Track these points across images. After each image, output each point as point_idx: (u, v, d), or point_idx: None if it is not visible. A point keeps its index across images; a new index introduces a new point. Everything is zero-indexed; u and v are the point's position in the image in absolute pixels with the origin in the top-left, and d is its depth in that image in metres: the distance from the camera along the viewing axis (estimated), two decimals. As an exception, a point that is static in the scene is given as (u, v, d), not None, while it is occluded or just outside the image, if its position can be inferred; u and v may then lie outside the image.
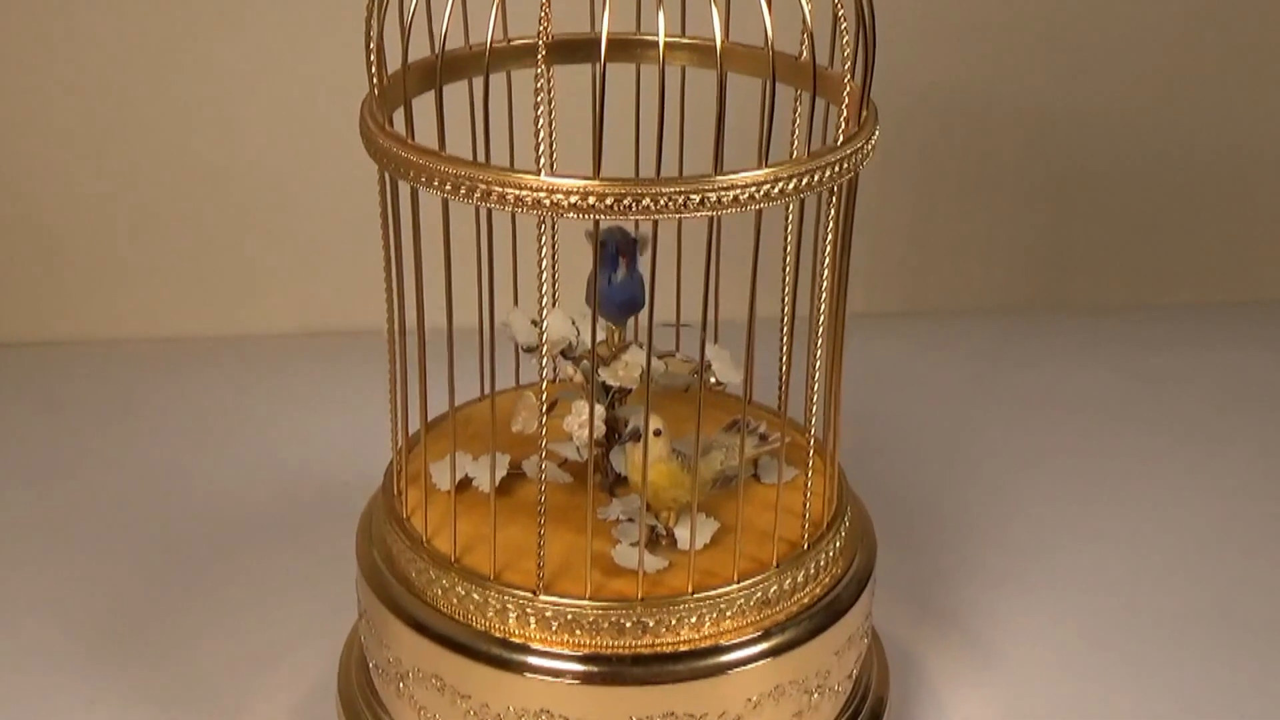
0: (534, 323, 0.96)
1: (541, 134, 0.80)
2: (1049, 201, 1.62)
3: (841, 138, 0.85)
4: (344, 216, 1.52)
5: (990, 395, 1.45)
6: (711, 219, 0.80)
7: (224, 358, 1.49)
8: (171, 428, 1.36)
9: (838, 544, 0.95)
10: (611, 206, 0.78)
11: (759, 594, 0.90)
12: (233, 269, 1.53)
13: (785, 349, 1.00)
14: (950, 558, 1.20)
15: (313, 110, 1.47)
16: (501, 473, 0.96)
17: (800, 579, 0.92)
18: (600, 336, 0.95)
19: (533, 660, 0.88)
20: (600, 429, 0.94)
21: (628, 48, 1.00)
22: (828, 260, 0.88)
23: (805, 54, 0.93)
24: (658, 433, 0.89)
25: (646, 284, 0.93)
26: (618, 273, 0.92)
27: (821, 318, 0.89)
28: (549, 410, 0.87)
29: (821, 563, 0.93)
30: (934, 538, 1.23)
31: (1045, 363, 1.52)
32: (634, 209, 0.78)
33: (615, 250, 0.90)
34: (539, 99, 0.79)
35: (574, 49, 0.99)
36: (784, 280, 1.00)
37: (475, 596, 0.89)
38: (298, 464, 1.31)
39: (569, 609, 0.88)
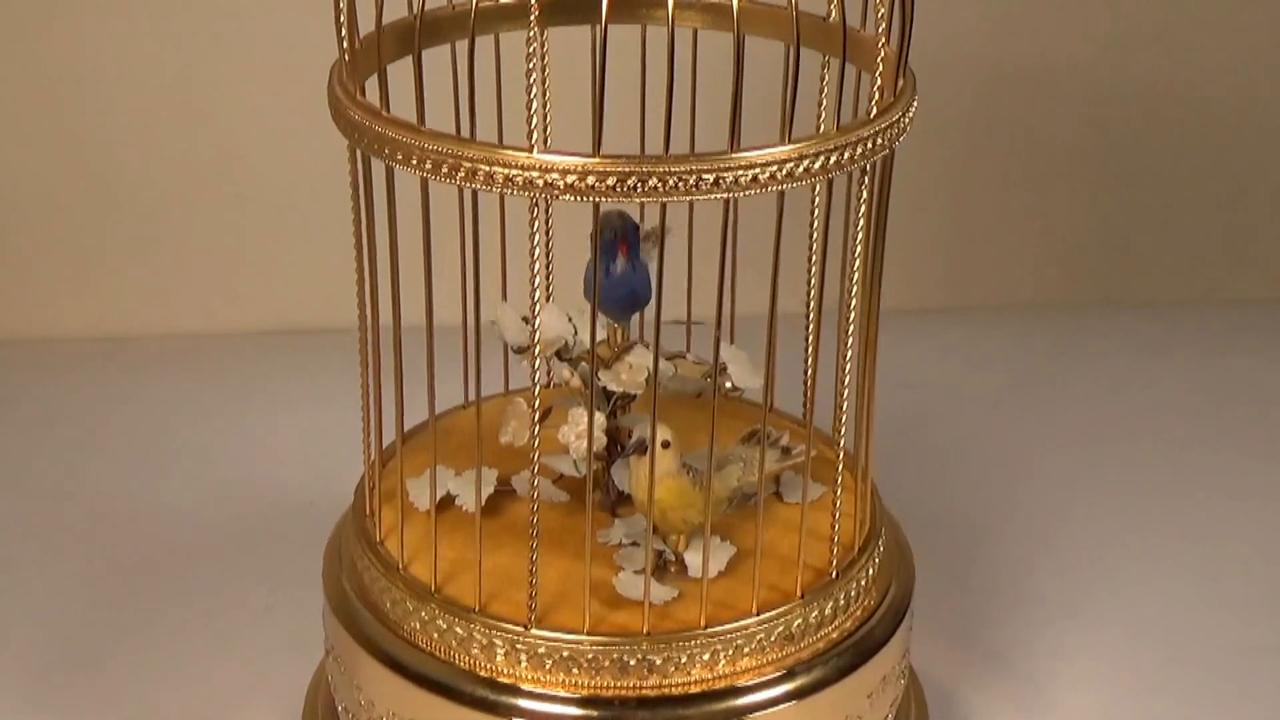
0: (525, 320, 0.96)
1: (534, 105, 0.80)
2: (1109, 184, 1.62)
3: (875, 110, 0.85)
4: (310, 201, 1.52)
5: (1043, 403, 1.45)
6: (727, 202, 0.80)
7: (173, 360, 1.49)
8: (115, 439, 1.36)
9: (871, 572, 0.95)
10: (613, 188, 0.78)
11: (781, 628, 0.90)
12: (184, 260, 1.53)
13: (811, 350, 0.99)
14: (998, 588, 1.20)
15: (275, 80, 1.47)
16: (488, 490, 0.95)
17: (828, 611, 0.92)
18: (600, 335, 0.95)
19: (523, 703, 0.87)
20: (600, 440, 0.94)
21: (632, 7, 1.00)
22: (859, 249, 0.88)
23: (834, 14, 0.93)
24: (666, 444, 0.89)
25: (653, 276, 0.93)
26: (616, 263, 0.91)
27: (852, 314, 0.89)
28: (542, 419, 0.87)
29: (852, 593, 0.93)
30: (980, 565, 1.23)
31: (1105, 366, 1.52)
32: (639, 190, 0.78)
33: (613, 237, 0.90)
34: (531, 65, 0.79)
35: (571, 8, 0.99)
36: (809, 272, 1.00)
37: (458, 630, 0.89)
38: (257, 480, 1.31)
39: (565, 645, 0.87)
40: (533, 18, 0.79)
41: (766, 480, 0.95)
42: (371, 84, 0.87)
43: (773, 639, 0.90)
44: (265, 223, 1.53)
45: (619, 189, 0.78)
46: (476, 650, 0.89)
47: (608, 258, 0.92)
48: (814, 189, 0.99)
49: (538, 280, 0.82)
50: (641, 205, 1.00)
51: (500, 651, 0.88)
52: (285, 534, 1.23)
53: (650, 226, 1.00)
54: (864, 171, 0.86)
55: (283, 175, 1.51)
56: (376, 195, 0.87)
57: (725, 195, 0.79)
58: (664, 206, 0.80)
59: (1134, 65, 1.58)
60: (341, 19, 0.86)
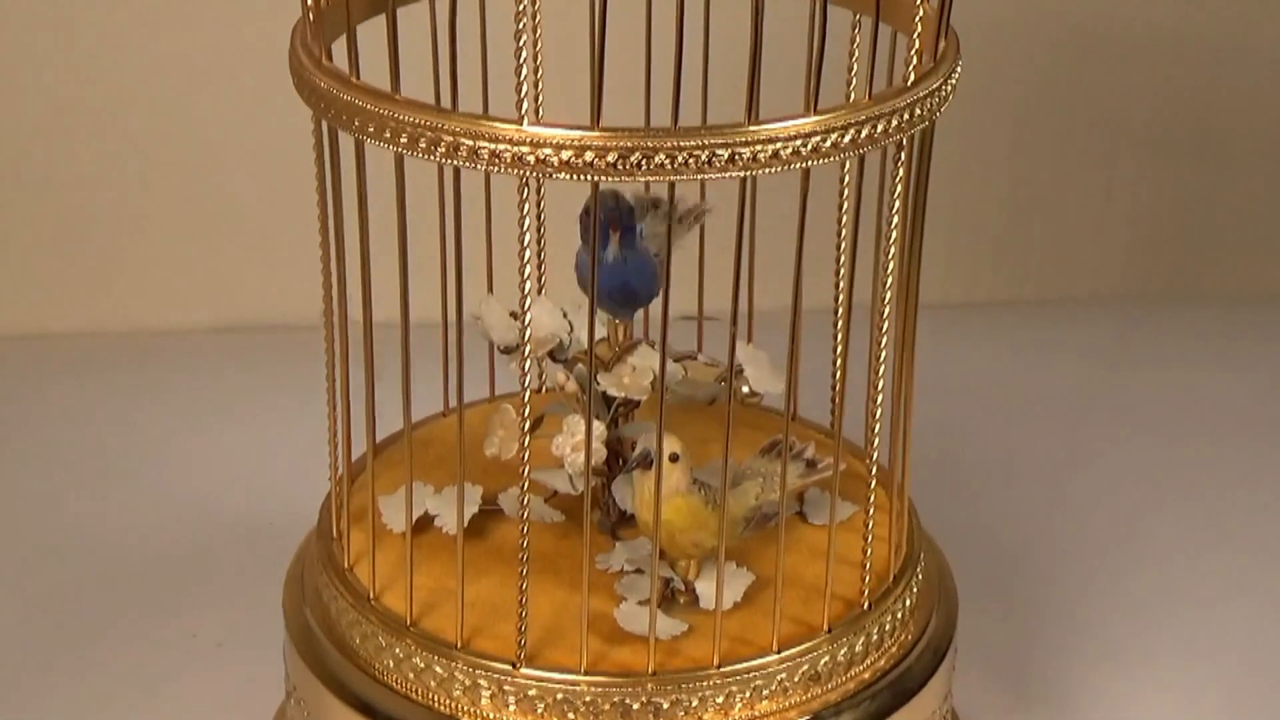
0: (513, 316, 0.96)
1: (524, 72, 0.80)
2: (1182, 163, 1.62)
3: (913, 76, 0.85)
4: (270, 180, 1.52)
5: (1104, 409, 1.45)
6: (744, 182, 0.80)
7: (111, 361, 1.50)
8: (43, 450, 1.36)
9: (908, 602, 0.95)
10: (615, 165, 0.78)
11: (806, 667, 0.90)
12: (124, 247, 1.53)
13: (840, 350, 1.00)
14: (1053, 619, 1.20)
15: (228, 45, 1.48)
16: (472, 509, 0.96)
17: (859, 648, 0.92)
18: (599, 333, 0.95)
19: (512, 752, 0.88)
20: (599, 453, 0.94)
21: (636, -40, 1.00)
22: (895, 235, 0.88)
23: (866, -32, 0.93)
24: (674, 457, 0.89)
25: (658, 264, 0.93)
26: (607, 250, 0.92)
27: (886, 309, 0.89)
28: (533, 429, 0.87)
29: (887, 627, 0.93)
30: (1032, 593, 1.23)
31: (1174, 367, 1.52)
32: (644, 168, 0.78)
33: (603, 220, 0.91)
34: (521, 26, 0.79)
35: (566, -39, 0.99)
36: (838, 261, 1.00)
37: (438, 669, 0.90)
38: (207, 497, 1.31)
39: (559, 686, 0.88)
40: (523, -29, 0.79)
41: (789, 498, 0.95)
42: (339, 47, 0.87)
43: (796, 680, 0.90)
44: (219, 205, 1.53)
45: (621, 167, 0.78)
46: (459, 692, 0.89)
47: (601, 244, 0.92)
48: (843, 166, 0.99)
49: (528, 271, 0.82)
50: (647, 185, 1.01)
51: (485, 693, 0.88)
52: (239, 558, 1.24)
53: (690, 205, 1.00)
54: (900, 147, 0.86)
55: (238, 151, 1.52)
56: (344, 174, 0.87)
57: (742, 174, 0.79)
58: (672, 187, 0.80)
59: (1217, 24, 1.58)
60: (305, -28, 0.86)
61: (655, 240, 0.95)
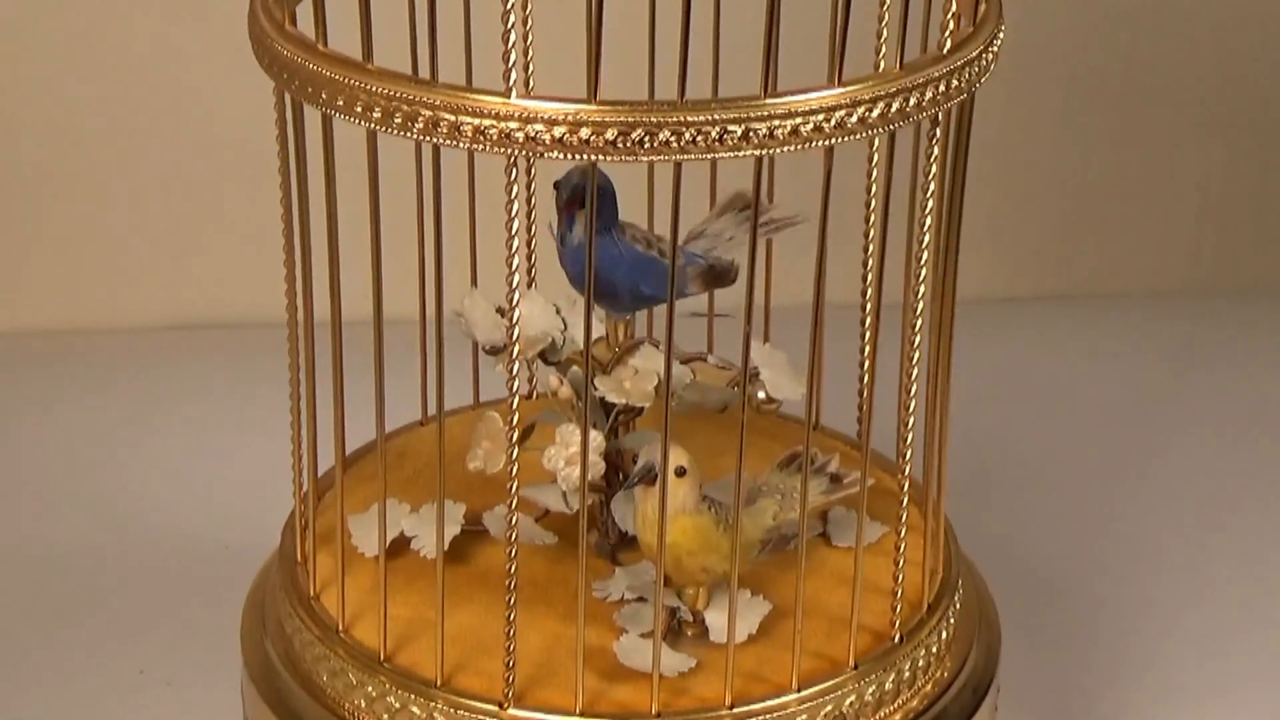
0: (500, 312, 0.96)
1: (513, 38, 0.80)
2: (1252, 139, 1.62)
3: (949, 43, 0.85)
4: (227, 163, 1.52)
5: (1165, 415, 1.45)
6: (759, 161, 0.80)
7: (52, 361, 1.50)
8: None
9: (944, 635, 0.95)
10: (614, 144, 0.78)
11: (830, 707, 0.90)
12: (68, 239, 1.53)
13: (868, 351, 1.00)
14: (1106, 653, 1.20)
15: (182, 10, 1.48)
16: (453, 530, 0.96)
17: (889, 686, 0.92)
18: (597, 332, 0.95)
19: (498, 804, 0.88)
20: (597, 466, 0.94)
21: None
22: (929, 222, 0.88)
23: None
24: (681, 471, 0.89)
25: (653, 261, 0.93)
26: (572, 233, 0.92)
27: (921, 306, 0.89)
28: (522, 440, 0.87)
29: (921, 662, 0.93)
30: (1083, 624, 1.23)
31: (1245, 367, 1.52)
32: (647, 146, 0.78)
33: (568, 198, 0.91)
34: (509, -14, 0.79)
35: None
36: (866, 251, 1.00)
37: (415, 710, 0.89)
38: (156, 515, 1.31)
39: (551, 729, 0.88)
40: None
41: (811, 518, 0.95)
42: (304, 11, 0.87)
43: (818, 722, 0.90)
44: (171, 189, 1.54)
45: (622, 145, 0.78)
46: (438, 735, 0.89)
47: (566, 225, 0.92)
48: (871, 145, 0.99)
49: (516, 262, 0.82)
50: (651, 164, 1.01)
51: (468, 737, 0.89)
52: (192, 584, 1.24)
53: (734, 192, 0.99)
54: (935, 122, 0.86)
55: (191, 129, 1.52)
56: (310, 153, 0.87)
57: (757, 152, 0.79)
58: (678, 168, 0.80)
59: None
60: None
61: (716, 241, 0.95)
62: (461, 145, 0.79)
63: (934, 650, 0.94)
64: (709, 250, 0.95)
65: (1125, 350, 1.55)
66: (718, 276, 0.95)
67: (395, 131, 0.80)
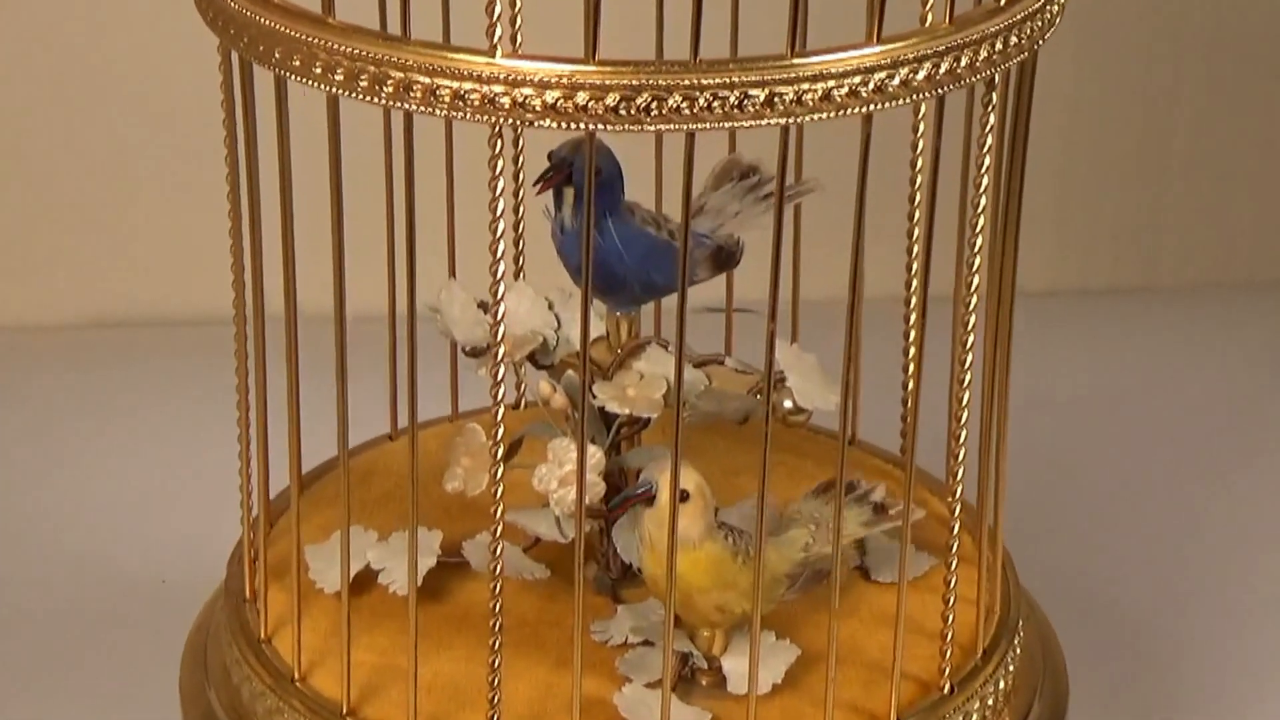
0: (482, 307, 0.97)
1: (497, -13, 0.80)
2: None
3: (1008, -7, 0.86)
4: (161, 135, 1.52)
5: (1259, 423, 1.45)
6: (785, 130, 0.80)
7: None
8: None
9: (1002, 685, 0.95)
10: (616, 110, 0.78)
11: (866, 770, 0.91)
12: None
13: (913, 353, 1.00)
14: (1195, 705, 1.20)
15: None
16: (428, 563, 0.96)
17: (937, 745, 0.93)
18: (596, 330, 0.96)
19: None
20: (597, 488, 0.94)
21: None
22: (984, 203, 0.88)
23: None
24: (684, 497, 0.88)
25: (661, 245, 0.94)
26: (562, 212, 0.93)
27: (974, 301, 0.89)
28: (509, 456, 0.87)
29: (975, 716, 0.94)
30: (1168, 671, 1.23)
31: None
32: (654, 114, 0.78)
33: (551, 175, 0.91)
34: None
35: None
36: (910, 236, 1.00)
37: (383, 773, 0.90)
38: (80, 542, 1.31)
39: (542, 795, 0.88)
40: None
41: (847, 549, 0.95)
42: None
43: (854, 786, 0.90)
44: (96, 165, 1.54)
45: (624, 112, 0.78)
46: (410, 802, 0.89)
47: (555, 206, 0.93)
48: (916, 112, 0.99)
49: (501, 249, 0.83)
50: (659, 135, 1.01)
51: (446, 804, 0.89)
52: (123, 626, 1.24)
53: (726, 158, 0.99)
54: (991, 86, 0.86)
55: (119, 93, 1.52)
56: (261, 123, 0.87)
57: (783, 121, 0.79)
58: (691, 137, 0.80)
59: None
60: None
61: (721, 218, 0.96)
62: (438, 113, 0.80)
63: (990, 703, 0.94)
64: (715, 229, 0.95)
65: (1217, 350, 1.55)
66: (727, 258, 0.95)
67: (361, 96, 0.80)
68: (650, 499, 0.88)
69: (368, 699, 0.91)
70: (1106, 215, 1.64)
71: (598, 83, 0.78)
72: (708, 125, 0.78)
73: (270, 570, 0.96)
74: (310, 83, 0.82)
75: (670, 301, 0.95)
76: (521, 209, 1.09)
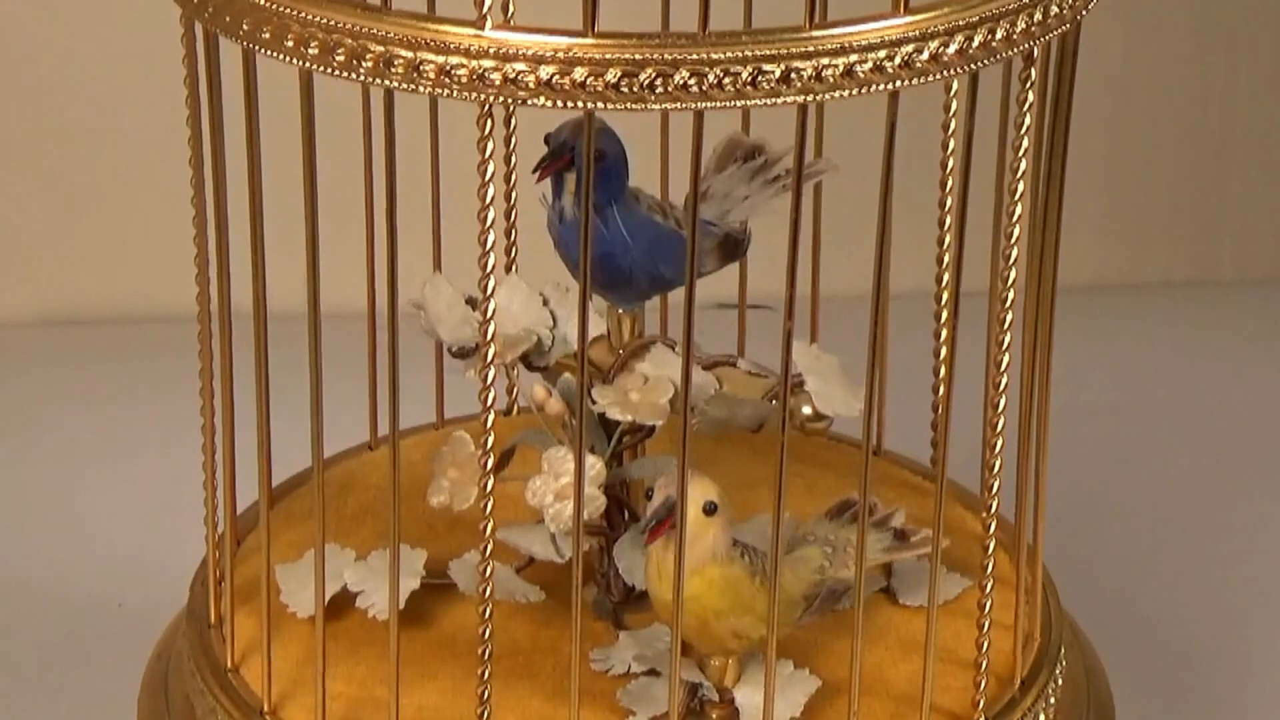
0: (470, 303, 0.97)
1: (487, -49, 0.80)
2: None
3: (1048, -42, 0.86)
4: (117, 117, 1.52)
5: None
6: (803, 110, 0.80)
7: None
8: None
9: (1043, 718, 0.95)
10: (617, 86, 0.78)
11: (893, 813, 0.91)
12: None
13: (944, 354, 1.00)
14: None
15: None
16: (411, 584, 0.96)
17: (970, 785, 0.93)
18: (596, 329, 0.96)
19: None
20: (597, 502, 0.94)
21: None
22: (1022, 189, 0.88)
23: None
24: (711, 509, 0.89)
25: (669, 235, 0.94)
26: (562, 200, 0.93)
27: (1010, 296, 0.89)
28: (500, 467, 0.87)
29: (1011, 755, 0.94)
30: (1225, 702, 1.23)
31: None
32: (659, 91, 0.78)
33: (554, 160, 0.92)
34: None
35: None
36: (942, 226, 1.00)
37: (361, 815, 0.91)
38: (29, 562, 1.31)
39: (536, 839, 0.89)
40: None
41: (873, 570, 0.95)
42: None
43: (879, 830, 0.91)
44: (47, 152, 1.54)
45: (627, 90, 0.78)
46: (391, 847, 0.90)
47: (555, 192, 0.93)
48: (948, 90, 1.00)
49: (491, 240, 0.83)
50: (666, 113, 1.01)
51: None
52: (74, 655, 1.24)
53: (728, 137, 1.00)
54: (1029, 60, 0.86)
55: (73, 72, 1.52)
56: (227, 101, 0.87)
57: (800, 98, 0.79)
58: (700, 116, 0.80)
59: None
60: None
61: (728, 203, 0.96)
62: (422, 90, 0.80)
63: (1029, 739, 0.95)
64: (722, 215, 0.95)
65: (1272, 347, 1.55)
66: (734, 247, 0.95)
67: (337, 72, 0.80)
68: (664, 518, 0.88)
69: (345, 734, 0.92)
70: (1159, 202, 1.64)
71: (597, 57, 0.78)
72: (718, 104, 0.78)
73: (237, 593, 0.96)
74: (281, 57, 0.82)
75: (677, 296, 0.95)
76: (513, 195, 1.09)
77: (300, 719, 0.92)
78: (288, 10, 0.81)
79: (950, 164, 1.00)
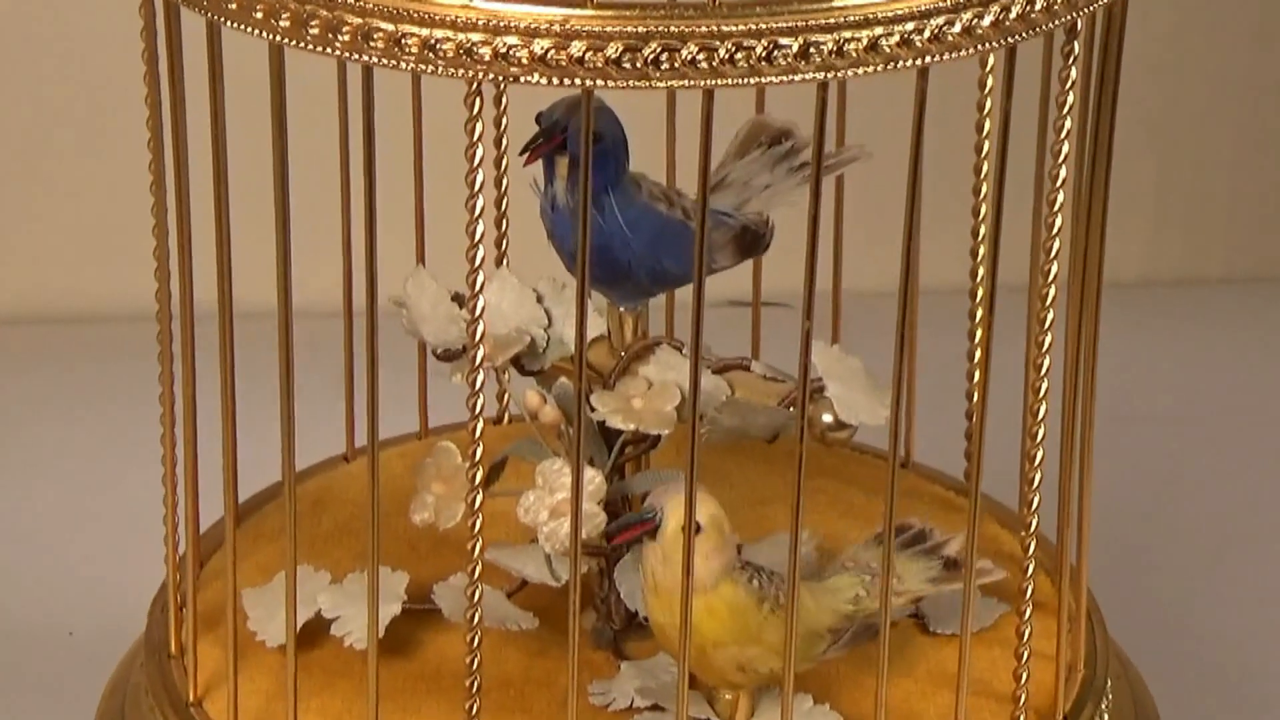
0: (457, 300, 0.97)
1: (475, -87, 0.80)
2: None
3: (1093, -77, 0.86)
4: (74, 103, 1.53)
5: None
6: (824, 88, 0.80)
7: None
8: None
9: (1085, 759, 0.96)
10: (619, 62, 0.78)
11: None
12: None
13: (979, 357, 1.00)
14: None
15: None
16: (392, 610, 0.96)
17: (1007, 831, 0.93)
18: (595, 329, 0.96)
19: None
20: (596, 520, 0.94)
21: None
22: (1065, 175, 0.88)
23: None
24: (696, 529, 0.89)
25: (676, 226, 0.94)
26: (554, 186, 0.93)
27: (1052, 291, 0.89)
28: (489, 481, 0.87)
29: (1052, 798, 0.94)
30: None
31: None
32: (664, 67, 0.78)
33: (541, 141, 0.92)
34: None
35: None
36: (976, 217, 1.01)
37: None
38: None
39: None
40: None
41: (904, 600, 0.95)
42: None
43: None
44: (14, 150, 1.56)
45: (630, 65, 0.78)
46: None
47: (546, 178, 0.93)
48: (983, 66, 1.00)
49: (479, 231, 0.83)
50: (671, 91, 1.01)
51: None
52: (21, 689, 1.24)
53: (751, 120, 1.00)
54: (1072, 32, 0.86)
55: (27, 53, 1.53)
56: (190, 79, 0.88)
57: (819, 75, 0.79)
58: (710, 96, 0.80)
59: None
60: None
61: (747, 192, 0.96)
62: (404, 66, 0.80)
63: (1072, 781, 0.95)
64: (740, 205, 0.95)
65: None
66: (754, 241, 0.95)
67: (311, 47, 0.81)
68: (654, 529, 0.88)
69: (319, 775, 0.92)
70: (1218, 188, 1.64)
71: (596, 30, 0.78)
72: (730, 81, 0.78)
73: (201, 619, 0.97)
74: (250, 30, 0.82)
75: (685, 293, 0.95)
76: (504, 182, 1.09)
77: (269, 758, 0.93)
78: (256, -21, 0.81)
79: (985, 148, 1.00)
